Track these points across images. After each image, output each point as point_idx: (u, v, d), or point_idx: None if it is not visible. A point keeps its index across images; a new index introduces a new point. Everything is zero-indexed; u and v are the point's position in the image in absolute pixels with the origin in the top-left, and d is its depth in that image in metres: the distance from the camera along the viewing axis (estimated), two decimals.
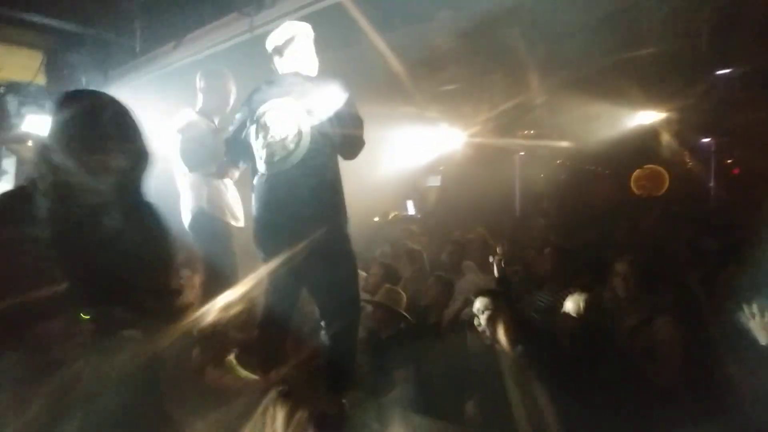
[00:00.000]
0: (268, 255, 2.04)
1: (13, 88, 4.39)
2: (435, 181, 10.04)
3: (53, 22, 3.87)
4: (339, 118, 1.94)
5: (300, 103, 1.93)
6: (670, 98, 5.59)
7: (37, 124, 4.37)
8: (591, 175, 10.08)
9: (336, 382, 2.01)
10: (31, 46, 4.43)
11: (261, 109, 1.99)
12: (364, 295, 3.33)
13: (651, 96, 5.66)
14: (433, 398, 2.38)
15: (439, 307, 3.09)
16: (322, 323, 2.05)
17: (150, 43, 3.82)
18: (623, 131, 6.66)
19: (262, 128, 1.97)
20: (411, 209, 8.94)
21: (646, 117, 6.33)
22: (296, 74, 2.05)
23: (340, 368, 2.02)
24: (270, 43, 2.12)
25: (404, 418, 2.12)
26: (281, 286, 2.10)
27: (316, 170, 1.92)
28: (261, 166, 1.99)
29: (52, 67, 4.43)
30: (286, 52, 2.08)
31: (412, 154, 8.31)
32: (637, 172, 9.30)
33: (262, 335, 2.28)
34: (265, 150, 1.96)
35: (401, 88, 5.41)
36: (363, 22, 3.58)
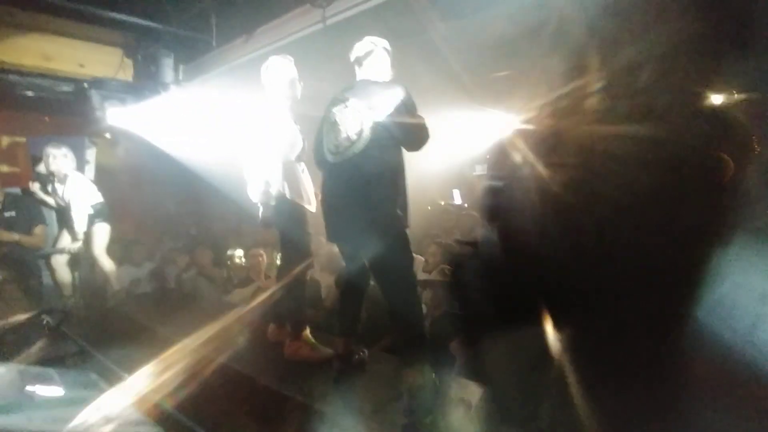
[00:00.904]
0: (334, 238, 2.36)
1: (96, 83, 4.72)
2: (482, 170, 9.95)
3: (133, 20, 4.13)
4: (399, 114, 2.13)
5: (365, 102, 2.17)
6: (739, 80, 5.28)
7: (118, 117, 4.69)
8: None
9: (410, 355, 2.20)
10: (112, 43, 4.77)
11: (334, 109, 2.27)
12: (423, 276, 3.44)
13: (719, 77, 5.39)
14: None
15: None
16: (389, 308, 2.24)
17: (225, 37, 4.01)
18: (689, 116, 6.37)
19: (332, 123, 2.25)
20: (458, 198, 8.89)
21: (715, 99, 5.99)
22: (369, 80, 2.31)
23: (411, 344, 2.20)
24: (352, 54, 2.38)
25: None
26: (350, 266, 2.40)
27: (375, 161, 2.12)
28: (329, 157, 2.26)
29: (132, 63, 4.74)
30: (365, 63, 2.34)
31: (461, 142, 8.29)
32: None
33: (339, 310, 2.54)
34: (332, 142, 2.24)
35: (452, 74, 5.42)
36: (426, 12, 3.64)
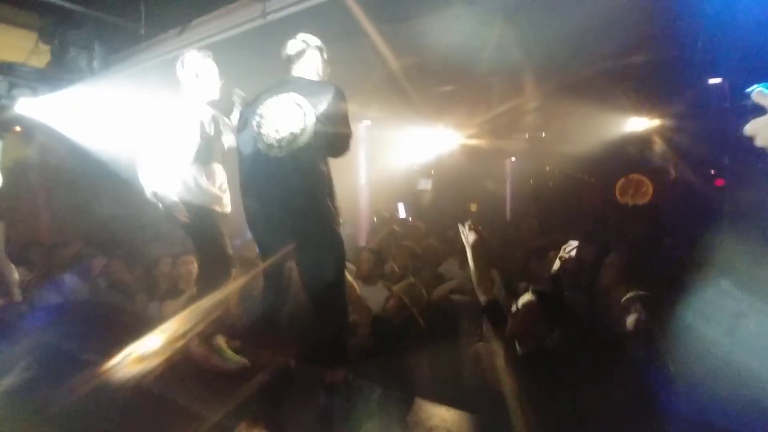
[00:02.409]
0: (261, 239, 2.29)
1: (3, 68, 4.22)
2: (426, 185, 10.11)
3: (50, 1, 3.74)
4: (334, 119, 2.13)
5: (306, 98, 2.11)
6: (660, 105, 5.74)
7: (29, 107, 4.22)
8: (577, 182, 10.28)
9: (332, 358, 2.17)
10: (25, 26, 4.30)
11: (267, 102, 2.17)
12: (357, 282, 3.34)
13: (642, 103, 5.82)
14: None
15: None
16: (312, 305, 2.22)
17: (156, 27, 3.73)
18: (611, 138, 6.82)
19: (265, 119, 2.14)
20: (402, 212, 8.95)
21: (636, 124, 6.48)
22: (303, 78, 2.26)
23: (332, 346, 2.19)
24: (284, 53, 2.32)
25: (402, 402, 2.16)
26: (274, 270, 2.30)
27: (314, 156, 2.11)
28: (263, 149, 2.13)
29: (47, 48, 4.29)
30: (298, 62, 2.29)
31: (406, 156, 8.37)
32: (621, 181, 9.55)
33: (257, 318, 2.44)
34: (270, 135, 2.11)
35: (397, 88, 5.45)
36: (364, 18, 3.60)
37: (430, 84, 5.73)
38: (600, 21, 3.90)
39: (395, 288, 2.87)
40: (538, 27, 4.04)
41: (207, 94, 2.52)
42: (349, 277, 2.89)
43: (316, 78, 2.29)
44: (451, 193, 9.60)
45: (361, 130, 7.36)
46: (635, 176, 9.37)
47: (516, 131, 7.89)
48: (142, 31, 3.78)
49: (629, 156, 8.11)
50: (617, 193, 9.85)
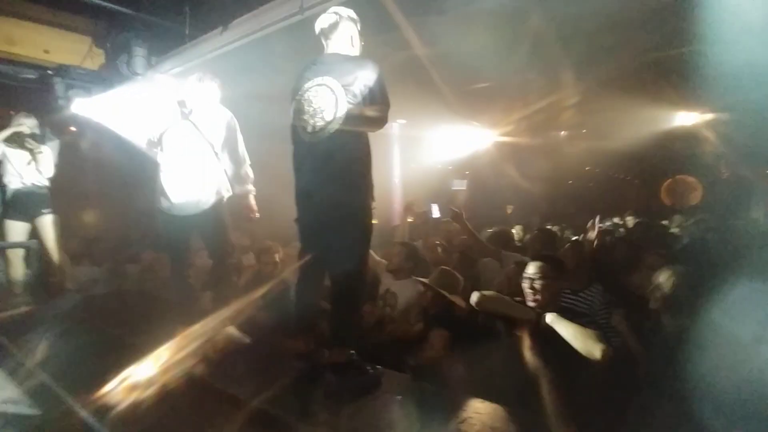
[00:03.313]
0: (302, 218, 2.27)
1: (61, 71, 4.51)
2: (461, 185, 10.02)
3: (102, 3, 3.97)
4: (369, 95, 2.14)
5: (339, 79, 2.12)
6: (711, 98, 5.43)
7: (84, 107, 4.48)
8: (620, 183, 9.89)
9: (339, 336, 2.18)
10: (81, 30, 4.59)
11: (306, 86, 2.20)
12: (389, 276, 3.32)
13: (690, 96, 5.53)
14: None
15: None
16: (332, 280, 2.24)
17: (200, 28, 3.89)
18: (656, 135, 6.51)
19: (305, 102, 2.18)
20: (436, 212, 8.90)
21: (684, 119, 6.15)
22: (338, 54, 2.25)
23: (341, 325, 2.20)
24: (317, 27, 2.32)
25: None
26: (311, 252, 2.29)
27: (349, 140, 2.12)
28: (303, 136, 2.18)
29: (100, 51, 4.56)
30: (332, 36, 2.27)
31: (441, 155, 8.33)
32: (668, 182, 9.09)
33: (296, 303, 2.38)
34: (306, 121, 2.16)
35: (432, 85, 5.43)
36: (398, 13, 3.62)
37: (465, 81, 5.68)
38: (644, 8, 3.76)
39: (428, 280, 2.83)
40: (578, 18, 3.92)
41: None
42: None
43: (350, 51, 2.27)
44: (487, 194, 9.46)
45: (395, 128, 7.37)
46: (683, 176, 8.91)
47: (554, 129, 7.68)
48: (187, 32, 3.96)
49: (677, 154, 7.73)
50: (663, 194, 9.40)
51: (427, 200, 8.77)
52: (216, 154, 2.89)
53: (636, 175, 9.78)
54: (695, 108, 6.04)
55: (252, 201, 3.07)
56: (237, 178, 2.99)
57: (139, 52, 4.33)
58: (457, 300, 2.65)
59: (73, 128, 5.31)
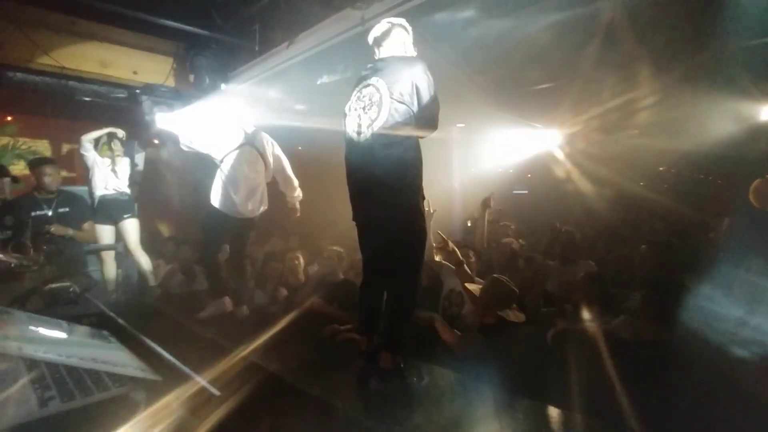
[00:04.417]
0: (358, 216, 2.33)
1: (147, 89, 4.98)
2: (522, 188, 9.76)
3: (182, 27, 4.33)
4: (419, 96, 2.17)
5: (388, 81, 2.17)
6: None
7: (167, 122, 4.90)
8: (699, 184, 9.14)
9: (388, 343, 2.23)
10: (163, 52, 5.04)
11: (356, 88, 2.31)
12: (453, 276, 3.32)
13: None
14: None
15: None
16: (386, 284, 2.30)
17: (268, 44, 4.15)
18: (740, 132, 5.96)
19: (354, 103, 2.28)
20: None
21: None
22: (391, 57, 2.32)
23: (391, 331, 2.25)
24: (370, 37, 2.42)
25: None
26: (370, 252, 2.38)
27: (393, 141, 2.14)
28: (353, 136, 2.25)
29: (180, 70, 4.98)
30: (384, 43, 2.36)
31: (501, 159, 8.16)
32: (757, 183, 8.29)
33: (360, 303, 2.47)
34: (355, 121, 2.24)
35: (492, 87, 5.36)
36: (458, 19, 3.62)
37: (529, 81, 5.55)
38: None
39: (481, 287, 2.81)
40: (652, 9, 3.72)
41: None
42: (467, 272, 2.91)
43: (402, 53, 2.33)
44: (550, 198, 9.13)
45: (454, 132, 7.34)
46: None
47: (624, 129, 7.28)
48: (257, 48, 4.23)
49: (763, 152, 7.03)
50: (752, 196, 8.57)
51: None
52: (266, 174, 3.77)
53: (719, 176, 9.01)
54: None
55: (297, 205, 3.90)
56: (289, 191, 3.87)
57: (215, 69, 4.69)
58: (508, 315, 2.61)
59: (156, 141, 5.82)
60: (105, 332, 1.67)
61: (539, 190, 9.56)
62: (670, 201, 8.05)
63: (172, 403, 1.14)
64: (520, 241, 5.30)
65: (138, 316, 2.88)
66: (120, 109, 5.22)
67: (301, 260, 4.05)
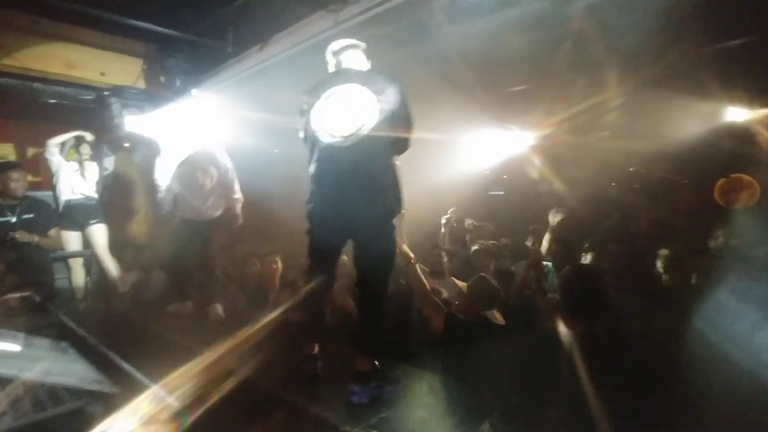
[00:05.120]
0: (327, 218, 2.29)
1: (116, 91, 4.85)
2: (499, 189, 9.88)
3: (153, 28, 4.24)
4: (393, 113, 2.19)
5: (368, 87, 2.20)
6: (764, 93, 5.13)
7: (137, 124, 4.78)
8: (668, 184, 9.43)
9: (365, 346, 2.25)
10: (133, 53, 4.91)
11: (329, 92, 2.27)
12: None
13: (741, 91, 5.25)
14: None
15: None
16: (360, 292, 2.31)
17: (241, 45, 4.10)
18: (706, 133, 6.19)
19: (330, 107, 2.24)
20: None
21: (735, 115, 5.83)
22: (354, 69, 2.36)
23: (368, 334, 2.26)
24: (329, 50, 2.49)
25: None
26: (327, 255, 2.38)
27: (373, 149, 2.16)
28: (329, 139, 2.22)
29: (151, 71, 4.87)
30: (342, 56, 2.44)
31: (477, 160, 8.24)
32: (721, 182, 8.60)
33: (306, 307, 2.44)
34: (336, 123, 2.21)
35: (467, 90, 5.41)
36: (431, 21, 3.64)
37: (502, 84, 5.63)
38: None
39: (466, 284, 2.85)
40: (621, 15, 3.82)
41: None
42: (419, 273, 2.92)
43: (364, 69, 2.39)
44: (526, 198, 9.26)
45: (430, 134, 7.37)
46: (738, 176, 8.39)
47: (595, 131, 7.45)
48: (229, 50, 4.17)
49: (729, 152, 7.30)
50: (717, 194, 8.87)
51: (463, 205, 8.71)
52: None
53: (686, 176, 9.31)
54: (747, 104, 5.72)
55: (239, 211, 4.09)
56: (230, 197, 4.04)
57: (186, 70, 4.59)
58: (491, 316, 2.64)
59: (127, 144, 5.67)
60: (64, 344, 1.62)
61: (515, 190, 9.70)
62: (641, 200, 8.28)
63: (128, 416, 1.11)
64: (503, 240, 5.38)
65: (103, 325, 2.81)
66: (88, 111, 5.07)
67: (279, 265, 3.99)
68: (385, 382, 2.18)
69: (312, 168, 2.29)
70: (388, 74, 2.29)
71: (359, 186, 2.15)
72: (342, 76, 2.31)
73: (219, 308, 3.78)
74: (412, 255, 3.01)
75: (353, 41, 2.46)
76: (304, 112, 2.35)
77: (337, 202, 2.21)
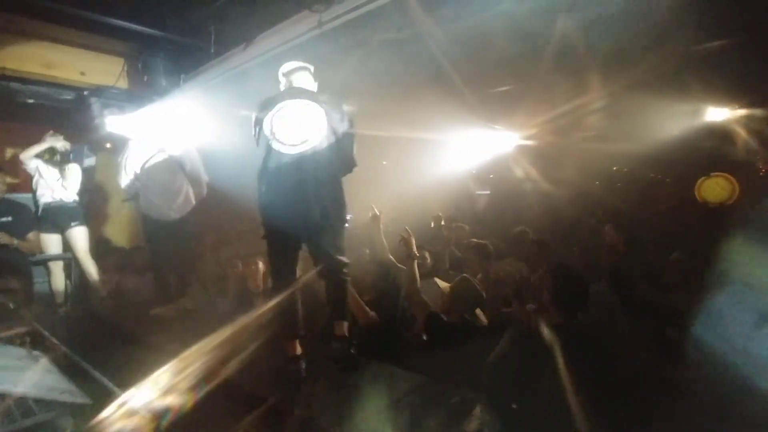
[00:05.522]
0: (281, 224, 2.47)
1: (96, 91, 4.75)
2: (484, 188, 9.94)
3: (134, 27, 4.16)
4: (339, 129, 2.49)
5: (315, 104, 2.44)
6: (742, 93, 5.24)
7: (118, 125, 4.69)
8: (650, 182, 9.60)
9: (339, 313, 2.51)
10: (114, 52, 4.81)
11: (279, 105, 2.46)
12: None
13: (721, 93, 5.36)
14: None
15: None
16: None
17: (224, 45, 4.05)
18: (687, 135, 6.31)
19: (281, 120, 2.43)
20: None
21: (714, 115, 5.96)
22: (305, 88, 2.64)
23: (339, 306, 2.53)
24: (281, 71, 2.74)
25: None
26: (285, 259, 2.58)
27: (319, 161, 2.39)
28: (280, 147, 2.42)
29: (132, 71, 4.78)
30: (294, 77, 2.69)
31: (463, 160, 8.29)
32: (701, 181, 8.78)
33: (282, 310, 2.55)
34: (289, 133, 2.41)
35: (451, 90, 5.42)
36: (415, 22, 3.65)
37: (488, 84, 5.66)
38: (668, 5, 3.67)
39: (450, 284, 2.85)
40: (603, 18, 3.86)
41: None
42: (415, 270, 2.95)
43: (313, 89, 2.65)
44: (511, 197, 9.33)
45: (415, 132, 7.38)
46: (718, 174, 8.57)
47: (580, 131, 7.53)
48: (212, 50, 4.12)
49: (708, 152, 7.46)
50: (697, 193, 9.06)
51: (449, 205, 8.74)
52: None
53: (667, 174, 9.48)
54: (726, 103, 5.84)
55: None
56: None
57: (169, 70, 4.52)
58: (475, 317, 2.66)
59: (108, 145, 5.57)
60: (36, 353, 1.59)
61: (501, 190, 9.78)
62: (623, 199, 8.41)
63: (100, 428, 1.09)
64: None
65: (81, 332, 2.76)
66: (67, 111, 4.97)
67: (261, 266, 3.96)
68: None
69: (261, 172, 2.51)
70: (335, 93, 2.56)
71: (303, 197, 2.36)
72: (293, 92, 2.54)
73: (187, 302, 3.97)
74: (416, 252, 3.09)
75: (303, 63, 2.74)
76: (258, 121, 2.55)
77: (287, 208, 2.41)
